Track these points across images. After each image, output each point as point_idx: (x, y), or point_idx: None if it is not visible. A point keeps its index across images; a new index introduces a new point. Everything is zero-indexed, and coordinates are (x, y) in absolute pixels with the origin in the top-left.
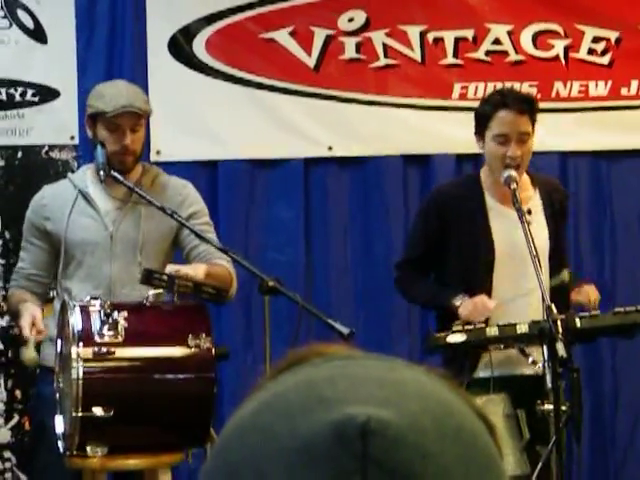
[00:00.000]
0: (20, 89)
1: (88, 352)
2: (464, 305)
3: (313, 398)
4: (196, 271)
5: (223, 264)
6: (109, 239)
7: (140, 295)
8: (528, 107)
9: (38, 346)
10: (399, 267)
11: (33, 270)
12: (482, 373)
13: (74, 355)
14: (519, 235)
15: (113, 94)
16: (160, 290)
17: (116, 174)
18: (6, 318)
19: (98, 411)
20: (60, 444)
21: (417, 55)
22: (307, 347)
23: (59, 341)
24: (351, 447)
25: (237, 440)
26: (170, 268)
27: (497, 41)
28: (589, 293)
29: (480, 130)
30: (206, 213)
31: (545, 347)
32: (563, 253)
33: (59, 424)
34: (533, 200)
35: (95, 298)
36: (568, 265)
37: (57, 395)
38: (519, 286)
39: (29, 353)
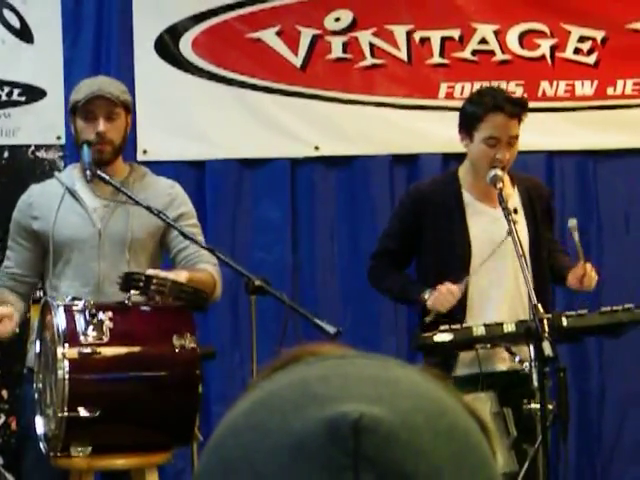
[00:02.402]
0: (6, 89)
1: (74, 352)
2: (430, 296)
3: (306, 396)
4: (177, 276)
5: (208, 269)
6: (97, 236)
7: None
8: (520, 110)
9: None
10: (373, 258)
11: (18, 270)
12: (463, 371)
13: (60, 355)
14: (497, 232)
15: (87, 84)
16: (137, 291)
17: (103, 174)
18: None
19: (84, 411)
20: (42, 445)
21: (403, 55)
22: (300, 347)
23: (38, 342)
24: (344, 444)
25: (231, 438)
26: (150, 271)
27: (483, 41)
28: (585, 271)
29: (468, 130)
30: (194, 215)
31: (531, 346)
32: (547, 251)
33: (39, 425)
34: (513, 198)
35: (78, 298)
36: (560, 260)
37: (36, 395)
38: (497, 283)
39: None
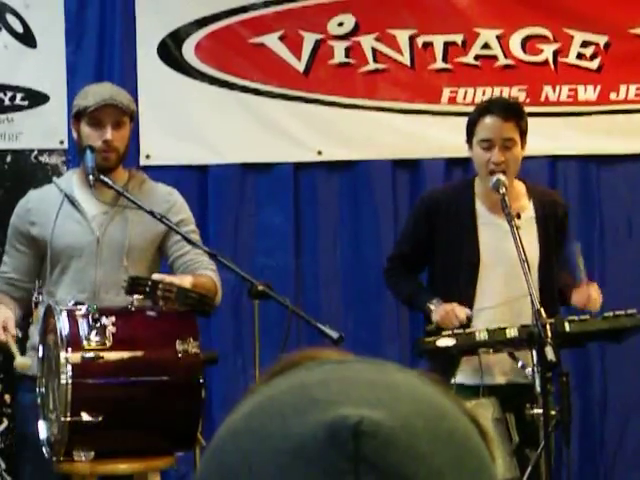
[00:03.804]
0: (9, 93)
1: (77, 357)
2: (437, 310)
3: (306, 400)
4: (182, 281)
5: (208, 274)
6: (95, 243)
7: (124, 300)
8: (513, 113)
9: (23, 348)
10: (390, 260)
11: (14, 275)
12: (466, 380)
13: (63, 360)
14: (508, 244)
15: (96, 91)
16: (142, 296)
17: (106, 179)
18: None
19: (87, 416)
20: (45, 450)
21: (406, 59)
22: (300, 351)
23: (41, 347)
24: (344, 448)
25: (231, 442)
26: (155, 276)
27: (486, 46)
28: (590, 292)
29: (468, 137)
30: (192, 221)
31: (534, 351)
32: (560, 269)
33: (42, 430)
34: (527, 211)
35: (81, 303)
36: (569, 281)
37: (39, 400)
38: (505, 294)
39: (17, 360)
